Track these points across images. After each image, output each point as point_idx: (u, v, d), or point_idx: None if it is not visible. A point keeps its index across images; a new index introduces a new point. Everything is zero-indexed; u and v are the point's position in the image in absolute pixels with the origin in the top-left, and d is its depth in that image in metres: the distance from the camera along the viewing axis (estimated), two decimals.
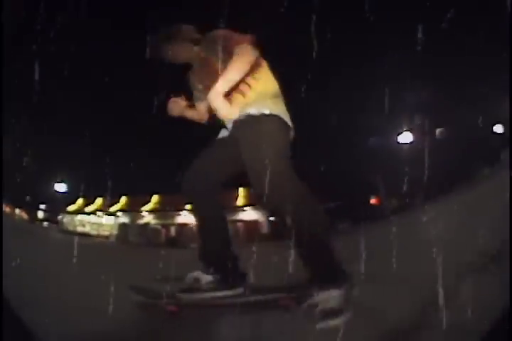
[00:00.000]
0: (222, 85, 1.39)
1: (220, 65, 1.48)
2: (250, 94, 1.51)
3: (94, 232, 16.46)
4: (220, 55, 1.48)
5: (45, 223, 16.78)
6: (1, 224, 2.60)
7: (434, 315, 1.18)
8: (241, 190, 13.90)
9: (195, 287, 1.50)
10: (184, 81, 1.88)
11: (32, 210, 16.16)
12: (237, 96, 1.51)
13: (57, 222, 17.19)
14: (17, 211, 14.80)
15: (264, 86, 1.54)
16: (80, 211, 17.38)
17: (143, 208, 15.73)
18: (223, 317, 1.41)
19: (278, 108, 1.53)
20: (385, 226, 4.43)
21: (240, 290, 1.47)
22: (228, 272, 1.47)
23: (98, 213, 16.84)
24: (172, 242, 12.83)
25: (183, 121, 1.86)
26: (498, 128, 9.80)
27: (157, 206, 15.64)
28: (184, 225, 14.14)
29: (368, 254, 1.69)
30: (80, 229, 16.76)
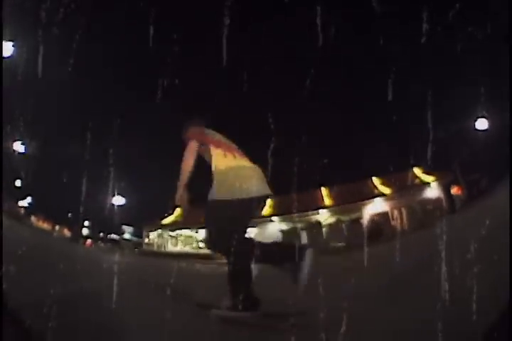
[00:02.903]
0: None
1: None
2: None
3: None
4: None
5: (100, 243, 13.19)
6: (1, 224, 2.73)
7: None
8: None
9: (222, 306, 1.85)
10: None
11: (75, 227, 12.61)
12: None
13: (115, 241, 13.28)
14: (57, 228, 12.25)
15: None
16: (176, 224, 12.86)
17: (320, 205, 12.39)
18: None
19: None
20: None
21: (248, 314, 1.76)
22: (241, 300, 1.77)
23: None
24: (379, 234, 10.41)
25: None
26: None
27: (331, 200, 12.52)
28: (379, 215, 11.67)
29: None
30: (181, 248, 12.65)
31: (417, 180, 12.04)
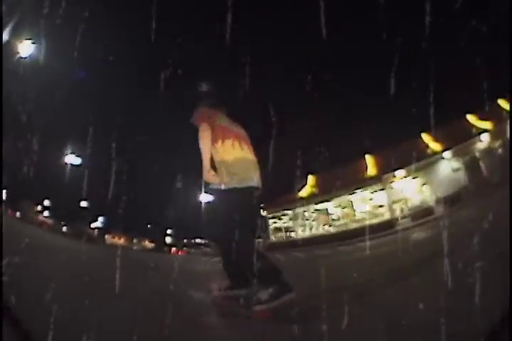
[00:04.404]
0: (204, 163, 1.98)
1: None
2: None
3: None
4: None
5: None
6: (1, 223, 2.84)
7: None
8: None
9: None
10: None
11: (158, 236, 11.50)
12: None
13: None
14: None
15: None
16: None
17: None
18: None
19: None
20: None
21: (242, 292, 1.86)
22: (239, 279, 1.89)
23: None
24: None
25: None
26: None
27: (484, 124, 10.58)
28: None
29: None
30: None
31: None
